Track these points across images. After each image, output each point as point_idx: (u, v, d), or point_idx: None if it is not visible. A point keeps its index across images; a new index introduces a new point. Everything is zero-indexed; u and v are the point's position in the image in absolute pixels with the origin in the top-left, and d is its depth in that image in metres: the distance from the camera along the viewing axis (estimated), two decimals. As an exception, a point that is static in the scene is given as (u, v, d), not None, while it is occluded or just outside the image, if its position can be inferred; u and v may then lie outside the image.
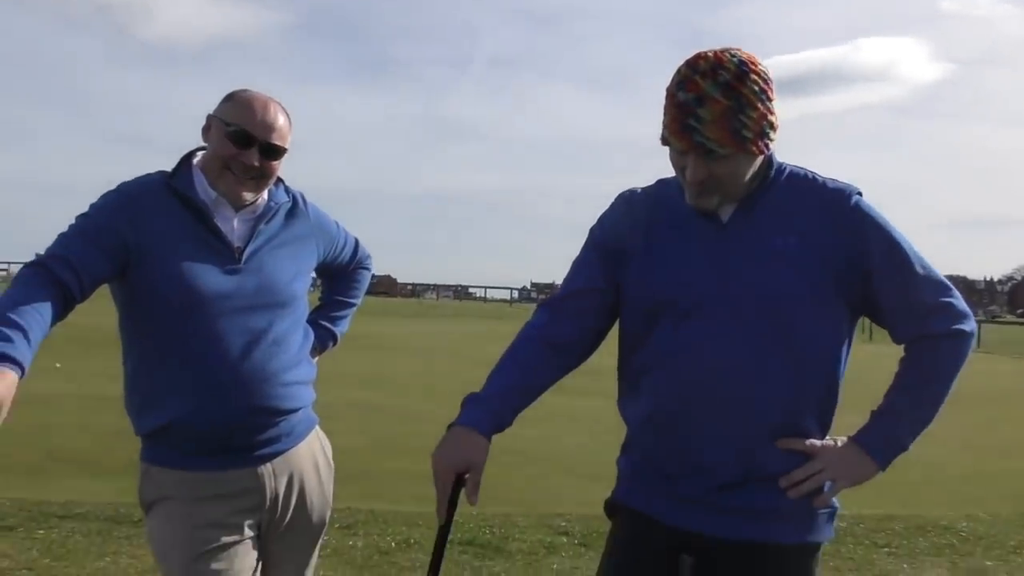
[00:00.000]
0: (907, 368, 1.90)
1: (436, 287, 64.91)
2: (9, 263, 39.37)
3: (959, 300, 1.89)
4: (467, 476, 1.79)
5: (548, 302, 2.05)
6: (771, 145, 1.81)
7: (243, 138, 2.13)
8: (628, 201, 2.01)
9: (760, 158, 1.83)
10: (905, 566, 5.01)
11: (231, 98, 2.20)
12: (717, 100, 1.71)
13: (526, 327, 2.01)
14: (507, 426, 1.88)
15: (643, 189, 2.02)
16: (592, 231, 2.03)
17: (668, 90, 1.80)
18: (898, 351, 1.94)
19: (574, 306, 1.98)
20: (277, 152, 2.18)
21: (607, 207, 2.04)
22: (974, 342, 1.91)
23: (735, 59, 1.74)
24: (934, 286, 1.87)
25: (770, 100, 1.77)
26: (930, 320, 1.86)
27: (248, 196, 2.18)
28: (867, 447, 1.87)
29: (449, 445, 1.81)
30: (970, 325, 1.89)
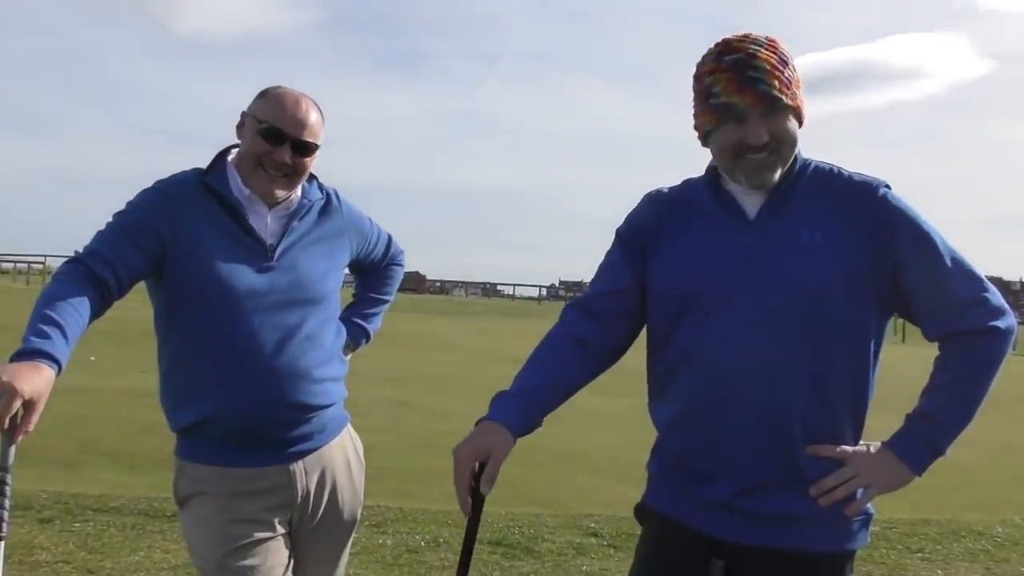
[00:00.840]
0: (941, 368, 1.85)
1: (465, 284, 64.89)
2: (45, 256, 39.86)
3: (995, 295, 1.83)
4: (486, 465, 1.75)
5: (576, 302, 2.03)
6: (803, 121, 1.83)
7: (275, 135, 2.15)
8: (653, 200, 2.00)
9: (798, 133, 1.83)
10: (939, 572, 4.94)
11: (264, 95, 2.21)
12: (766, 53, 1.78)
13: (556, 327, 1.99)
14: (536, 426, 1.86)
15: (670, 188, 2.01)
16: (618, 232, 2.02)
17: (704, 71, 1.83)
18: (931, 352, 1.88)
19: (602, 307, 1.97)
20: (309, 149, 2.19)
21: (633, 207, 2.03)
22: (1013, 339, 1.84)
23: (759, 35, 1.83)
24: (967, 280, 1.81)
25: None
26: (964, 315, 1.80)
27: (280, 193, 2.19)
28: (901, 453, 1.82)
29: (471, 438, 1.79)
30: (1007, 321, 1.82)
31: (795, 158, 1.86)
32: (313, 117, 2.20)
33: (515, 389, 1.88)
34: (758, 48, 1.79)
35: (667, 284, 1.89)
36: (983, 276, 1.84)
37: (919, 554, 5.22)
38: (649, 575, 1.94)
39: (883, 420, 1.91)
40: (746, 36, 1.82)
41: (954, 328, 1.81)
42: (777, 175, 1.81)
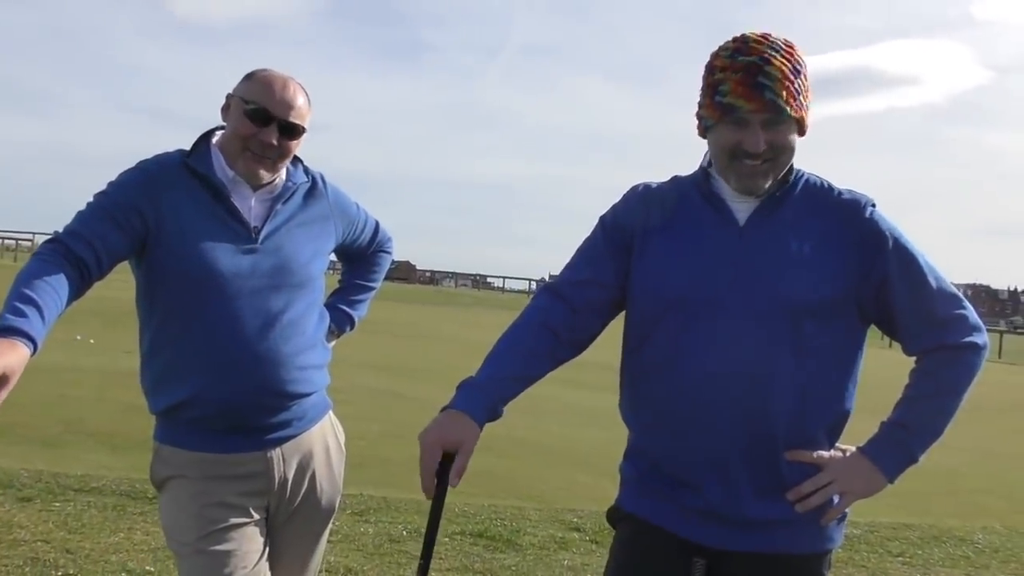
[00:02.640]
0: (919, 379, 1.88)
1: (455, 275, 64.91)
2: (34, 233, 39.69)
3: (972, 312, 1.87)
4: (456, 457, 1.75)
5: (552, 288, 2.00)
6: (805, 132, 1.82)
7: (262, 116, 2.13)
8: (642, 195, 1.98)
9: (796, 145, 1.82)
10: (919, 576, 4.96)
11: (250, 77, 2.19)
12: (780, 61, 1.75)
13: (529, 310, 1.97)
14: (499, 416, 1.85)
15: (658, 184, 1.99)
16: (603, 220, 1.99)
17: (716, 65, 1.81)
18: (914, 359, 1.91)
19: (577, 295, 1.94)
20: (295, 131, 2.17)
21: (621, 199, 2.00)
22: (987, 354, 1.88)
23: (776, 35, 1.80)
24: (947, 298, 1.85)
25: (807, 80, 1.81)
26: (944, 332, 1.84)
27: (265, 175, 2.17)
28: (877, 460, 1.84)
29: (439, 425, 1.78)
30: (982, 338, 1.86)
31: (790, 167, 1.85)
32: (300, 100, 2.18)
33: (483, 378, 1.86)
34: (774, 54, 1.76)
35: (652, 285, 1.87)
36: (960, 294, 1.88)
37: (900, 558, 5.24)
38: (632, 571, 1.93)
39: (867, 423, 1.92)
40: (765, 37, 1.79)
41: (936, 343, 1.85)
42: (768, 183, 1.81)
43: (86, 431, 6.70)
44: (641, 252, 1.90)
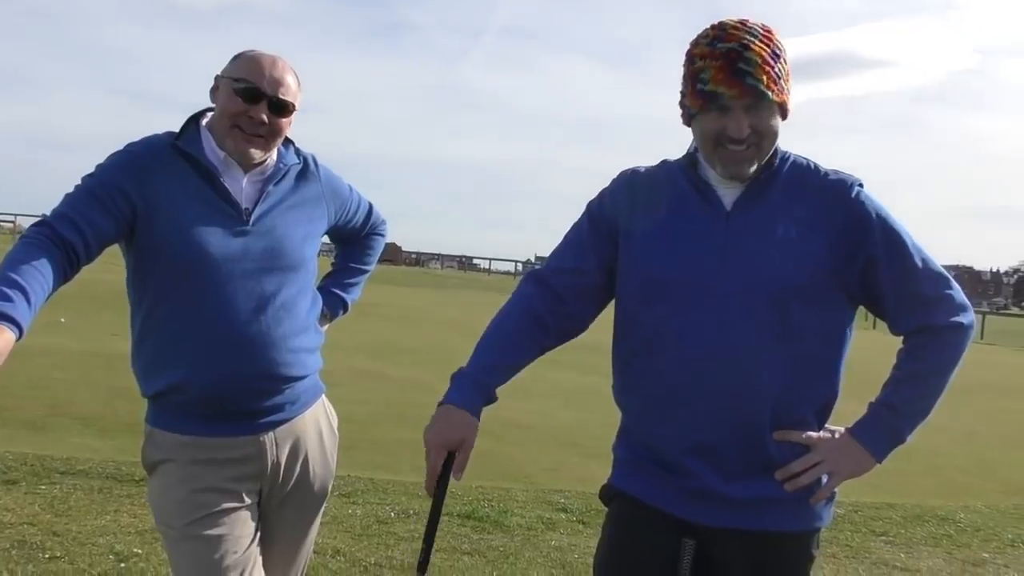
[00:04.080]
0: (906, 360, 1.89)
1: (441, 257, 64.76)
2: (15, 215, 39.38)
3: (959, 292, 1.88)
4: (457, 453, 1.82)
5: (537, 275, 2.03)
6: (787, 115, 1.84)
7: (252, 94, 2.11)
8: (629, 181, 1.99)
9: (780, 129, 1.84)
10: (902, 555, 5.02)
11: (239, 57, 2.18)
12: (759, 46, 1.77)
13: (515, 297, 2.01)
14: (493, 402, 1.90)
15: (646, 169, 2.00)
16: (590, 207, 2.01)
17: (696, 54, 1.82)
18: (900, 340, 1.92)
19: (563, 284, 1.97)
20: (286, 108, 2.15)
21: (608, 184, 2.02)
22: (973, 334, 1.90)
23: (755, 21, 1.82)
24: (934, 278, 1.86)
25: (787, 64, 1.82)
26: (930, 312, 1.86)
27: (256, 154, 2.15)
28: (865, 440, 1.87)
29: (442, 423, 1.83)
30: (969, 317, 1.88)
31: (775, 151, 1.87)
32: (289, 78, 2.17)
33: (474, 368, 1.90)
34: (752, 39, 1.77)
35: (640, 269, 1.89)
36: (947, 274, 1.88)
37: (883, 537, 5.30)
38: (619, 554, 1.95)
39: (852, 406, 1.93)
40: (742, 23, 1.81)
41: (922, 323, 1.86)
42: (753, 168, 1.83)
43: (72, 414, 6.67)
44: (627, 238, 1.92)
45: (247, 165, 2.16)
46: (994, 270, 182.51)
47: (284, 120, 2.17)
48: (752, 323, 1.80)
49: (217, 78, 2.18)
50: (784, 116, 1.83)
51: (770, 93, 1.76)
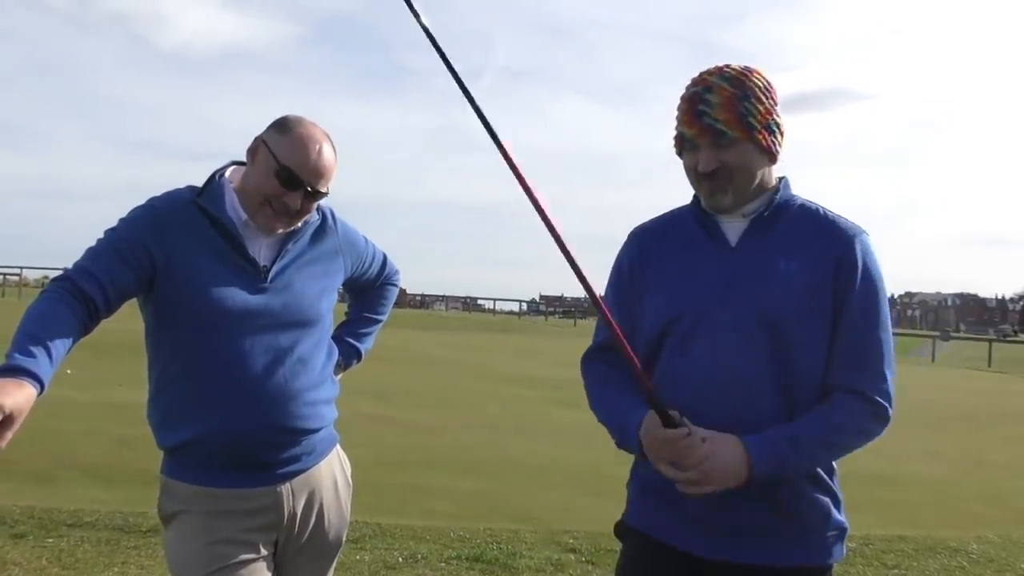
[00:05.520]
0: (829, 411, 1.85)
1: (445, 298, 64.83)
2: (21, 268, 39.52)
3: (891, 386, 1.88)
4: None
5: (592, 357, 2.10)
6: (778, 147, 1.91)
7: (292, 181, 2.10)
8: (639, 237, 2.08)
9: (768, 164, 1.92)
10: (915, 588, 4.96)
11: (286, 130, 2.14)
12: (723, 88, 1.87)
13: (595, 373, 2.08)
14: None
15: (653, 221, 2.09)
16: (611, 275, 2.10)
17: (680, 97, 1.94)
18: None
19: (611, 357, 2.02)
20: (319, 196, 2.17)
21: (622, 246, 2.10)
22: (883, 431, 1.89)
23: (740, 65, 1.93)
24: (881, 354, 1.88)
25: (774, 102, 1.91)
26: (862, 377, 1.86)
27: (281, 231, 2.18)
28: (756, 462, 1.78)
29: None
30: (888, 410, 1.86)
31: (778, 188, 1.94)
32: (331, 165, 2.16)
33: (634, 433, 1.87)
34: (720, 82, 1.88)
35: (653, 308, 1.96)
36: (892, 364, 1.89)
37: (895, 570, 5.25)
38: None
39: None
40: (718, 68, 1.92)
41: (850, 383, 1.85)
42: (729, 199, 1.90)
43: (78, 465, 6.65)
44: (646, 288, 2.00)
45: (271, 235, 2.18)
46: (999, 297, 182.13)
47: (314, 203, 2.19)
48: (752, 352, 1.84)
49: (259, 140, 2.15)
50: (768, 152, 1.90)
51: (730, 131, 1.85)
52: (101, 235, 2.09)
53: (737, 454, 1.78)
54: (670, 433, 1.78)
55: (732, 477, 1.77)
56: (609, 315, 1.83)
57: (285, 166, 2.10)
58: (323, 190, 2.16)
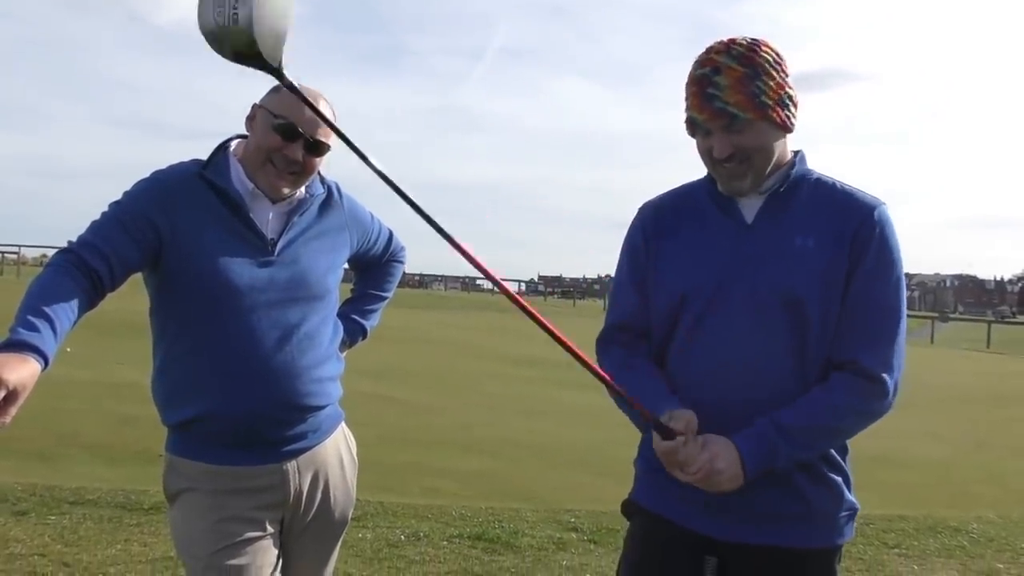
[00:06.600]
0: (823, 391, 1.81)
1: (444, 278, 64.87)
2: (19, 246, 39.44)
3: (899, 357, 1.82)
4: None
5: (609, 338, 2.05)
6: (793, 119, 1.86)
7: (289, 131, 2.10)
8: (654, 210, 2.03)
9: (784, 138, 1.87)
10: (915, 567, 4.99)
11: (279, 90, 2.13)
12: (733, 68, 1.80)
13: (613, 353, 2.01)
14: None
15: (663, 196, 2.05)
16: (623, 254, 2.05)
17: (687, 79, 1.86)
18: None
19: (640, 326, 1.99)
20: (321, 148, 2.15)
21: (633, 221, 2.06)
22: (886, 408, 1.83)
23: (746, 38, 1.84)
24: (892, 333, 1.82)
25: (785, 74, 1.84)
26: (865, 348, 1.81)
27: (287, 191, 2.15)
28: (748, 460, 1.77)
29: None
30: (891, 387, 1.80)
31: (793, 164, 1.89)
32: (330, 117, 2.15)
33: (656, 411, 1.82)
34: (728, 61, 1.80)
35: (666, 283, 1.93)
36: (902, 334, 1.84)
37: (896, 550, 5.27)
38: (640, 572, 1.94)
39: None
40: (725, 44, 1.83)
41: (851, 355, 1.81)
42: (748, 183, 1.85)
43: (80, 443, 6.66)
44: (657, 259, 1.96)
45: (277, 198, 2.16)
46: (998, 278, 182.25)
47: (318, 159, 2.16)
48: (768, 330, 1.81)
49: (255, 107, 2.16)
50: (784, 127, 1.85)
51: (743, 113, 1.78)
52: (106, 208, 2.06)
53: (731, 455, 1.76)
54: (667, 446, 1.77)
55: (734, 479, 1.77)
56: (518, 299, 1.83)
57: (282, 116, 2.09)
58: (323, 139, 2.13)
